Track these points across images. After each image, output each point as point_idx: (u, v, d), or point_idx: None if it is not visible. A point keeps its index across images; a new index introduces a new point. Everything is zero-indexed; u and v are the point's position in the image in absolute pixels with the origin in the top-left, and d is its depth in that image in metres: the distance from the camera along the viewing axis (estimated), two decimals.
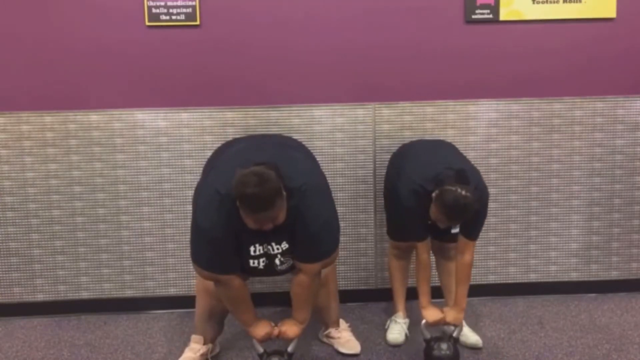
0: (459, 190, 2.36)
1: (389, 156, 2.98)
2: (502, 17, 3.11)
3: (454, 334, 2.61)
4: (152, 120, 3.09)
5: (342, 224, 2.57)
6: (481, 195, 2.51)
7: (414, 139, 3.01)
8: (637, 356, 2.70)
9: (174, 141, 3.11)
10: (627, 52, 3.18)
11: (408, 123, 3.15)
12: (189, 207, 2.57)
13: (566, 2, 3.11)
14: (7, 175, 3.09)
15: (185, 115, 3.10)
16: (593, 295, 3.33)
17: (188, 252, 2.42)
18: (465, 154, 2.86)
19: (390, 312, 2.99)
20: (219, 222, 2.24)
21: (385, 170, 2.96)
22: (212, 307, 2.60)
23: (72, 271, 3.18)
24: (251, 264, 2.36)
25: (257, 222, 2.18)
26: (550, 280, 3.32)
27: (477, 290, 3.13)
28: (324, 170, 2.64)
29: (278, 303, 3.11)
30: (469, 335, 2.80)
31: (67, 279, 3.18)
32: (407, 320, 2.92)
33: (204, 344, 2.68)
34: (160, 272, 3.21)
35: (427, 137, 3.11)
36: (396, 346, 2.80)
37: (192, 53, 3.07)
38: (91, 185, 3.12)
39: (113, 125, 3.08)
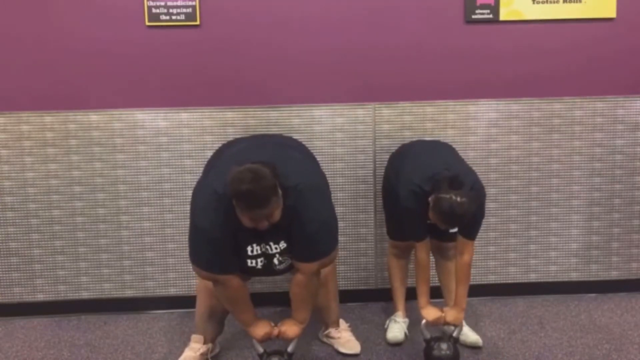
0: (454, 197, 2.37)
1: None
2: (502, 17, 3.11)
3: (454, 334, 2.61)
4: (152, 120, 3.09)
5: (342, 224, 2.57)
6: (477, 195, 2.51)
7: (413, 139, 3.01)
8: (637, 356, 2.70)
9: (174, 141, 3.11)
10: (627, 52, 3.18)
11: (408, 123, 3.15)
12: (189, 207, 2.56)
13: (566, 2, 3.11)
14: (7, 175, 3.09)
15: (185, 115, 3.10)
16: (593, 295, 3.33)
17: (188, 252, 2.42)
18: (465, 154, 2.86)
19: (390, 312, 2.99)
20: (217, 221, 2.24)
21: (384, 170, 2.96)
22: (212, 307, 2.60)
23: (72, 271, 3.18)
24: (249, 264, 2.36)
25: (253, 220, 2.18)
26: (550, 280, 3.32)
27: (477, 290, 3.13)
28: (324, 170, 2.65)
29: (278, 303, 3.11)
30: (469, 335, 2.80)
31: (67, 279, 3.18)
32: (406, 320, 2.92)
33: (204, 343, 2.68)
34: (160, 272, 3.21)
35: (427, 137, 3.11)
36: (396, 345, 2.80)
37: (192, 53, 3.07)
38: (91, 185, 3.12)
39: (113, 125, 3.09)
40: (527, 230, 3.27)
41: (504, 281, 3.31)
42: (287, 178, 2.25)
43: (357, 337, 2.84)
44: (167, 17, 3.03)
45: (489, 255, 3.29)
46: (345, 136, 3.15)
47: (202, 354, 2.66)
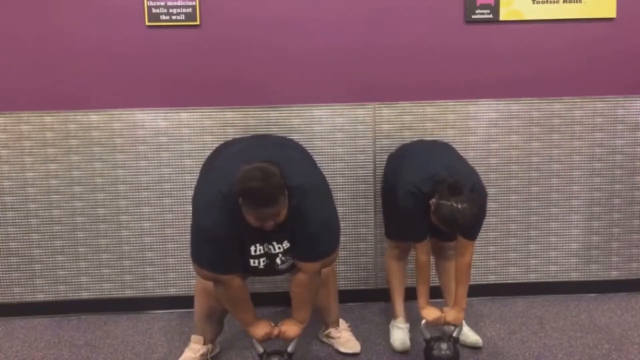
0: (455, 204, 2.34)
1: None
2: (502, 17, 3.11)
3: (454, 334, 2.61)
4: (152, 120, 3.09)
5: (342, 224, 2.57)
6: (478, 197, 2.50)
7: (413, 139, 3.01)
8: (637, 356, 2.70)
9: (174, 141, 3.11)
10: (627, 52, 3.18)
11: (408, 123, 3.15)
12: (189, 207, 2.56)
13: (566, 2, 3.11)
14: (7, 175, 3.09)
15: (185, 115, 3.10)
16: (593, 295, 3.33)
17: (188, 252, 2.42)
18: (465, 154, 2.86)
19: (390, 312, 2.98)
20: (221, 221, 2.24)
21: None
22: (211, 307, 2.59)
23: (72, 271, 3.18)
24: (251, 264, 2.36)
25: (259, 218, 2.18)
26: (550, 280, 3.32)
27: (477, 290, 3.13)
28: (323, 170, 2.65)
29: (278, 303, 3.11)
30: (469, 334, 2.80)
31: (67, 279, 3.18)
32: (407, 325, 2.89)
33: (204, 344, 2.68)
34: (160, 272, 3.21)
35: (427, 137, 3.11)
36: (404, 352, 2.75)
37: (192, 53, 3.07)
38: (91, 185, 3.12)
39: (113, 125, 3.09)
40: (527, 230, 3.27)
41: (504, 281, 3.31)
42: (291, 178, 2.25)
43: (357, 337, 2.84)
44: (167, 17, 3.03)
45: (489, 255, 3.29)
46: (345, 136, 3.15)
47: (202, 355, 2.66)
